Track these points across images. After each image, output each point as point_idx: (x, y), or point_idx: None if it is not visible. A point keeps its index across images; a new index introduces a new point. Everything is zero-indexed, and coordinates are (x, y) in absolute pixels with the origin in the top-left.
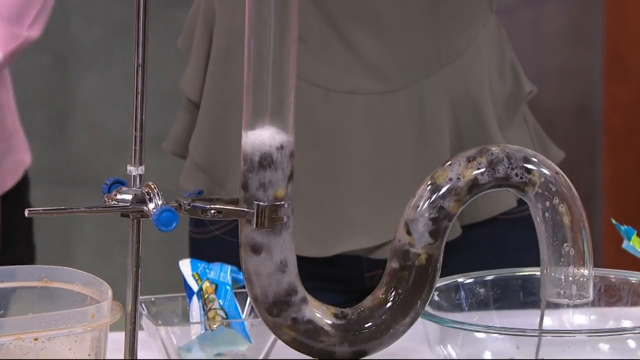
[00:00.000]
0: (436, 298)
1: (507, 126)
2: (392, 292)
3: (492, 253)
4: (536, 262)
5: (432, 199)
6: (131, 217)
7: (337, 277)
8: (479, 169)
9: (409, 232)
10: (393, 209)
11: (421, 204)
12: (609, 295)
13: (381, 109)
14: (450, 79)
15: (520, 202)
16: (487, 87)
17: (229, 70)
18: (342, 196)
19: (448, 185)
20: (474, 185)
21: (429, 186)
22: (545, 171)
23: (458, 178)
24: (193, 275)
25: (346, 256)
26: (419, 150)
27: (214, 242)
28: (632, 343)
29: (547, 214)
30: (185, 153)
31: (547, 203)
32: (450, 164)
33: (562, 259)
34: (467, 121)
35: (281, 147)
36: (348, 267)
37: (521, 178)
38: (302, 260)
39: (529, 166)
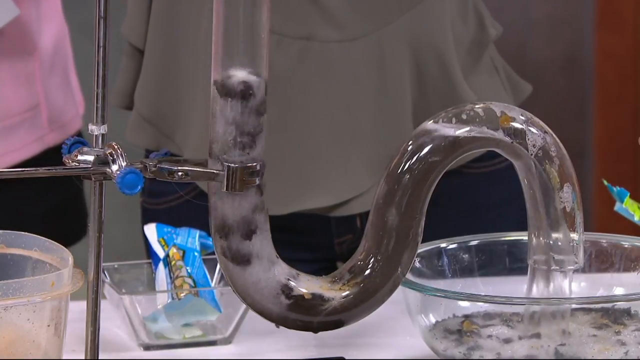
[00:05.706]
0: (417, 264)
1: (472, 72)
2: (370, 259)
3: (469, 207)
4: (511, 217)
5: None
6: (93, 179)
7: (304, 244)
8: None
9: None
10: (352, 164)
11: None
12: (600, 260)
13: (339, 58)
14: (411, 26)
15: (494, 155)
16: (449, 33)
17: (175, 11)
18: (298, 151)
19: (430, 145)
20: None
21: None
22: (533, 130)
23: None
24: (159, 241)
25: (313, 220)
26: (379, 101)
27: (169, 214)
28: None
29: (534, 175)
30: (132, 105)
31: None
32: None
33: (551, 223)
34: (430, 70)
35: None
36: (315, 232)
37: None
38: None
39: (516, 125)
